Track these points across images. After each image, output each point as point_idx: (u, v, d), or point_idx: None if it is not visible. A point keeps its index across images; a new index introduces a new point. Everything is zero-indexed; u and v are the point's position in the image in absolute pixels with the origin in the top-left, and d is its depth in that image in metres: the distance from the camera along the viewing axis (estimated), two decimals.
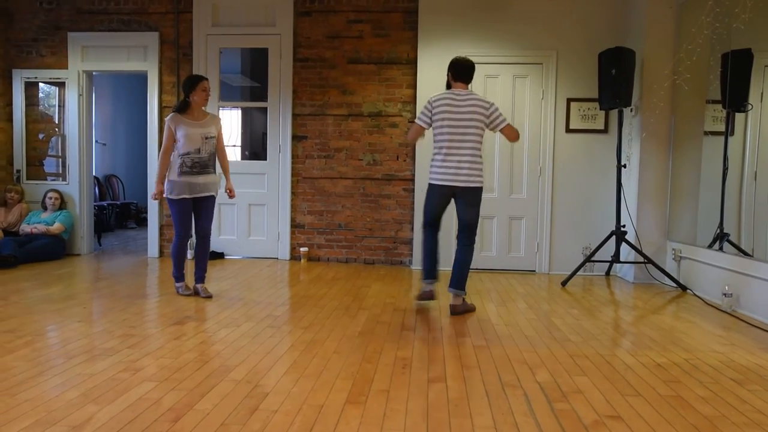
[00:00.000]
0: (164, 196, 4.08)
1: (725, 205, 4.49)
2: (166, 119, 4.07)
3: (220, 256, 6.10)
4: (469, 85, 3.89)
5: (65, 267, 5.38)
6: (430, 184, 3.87)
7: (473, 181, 3.75)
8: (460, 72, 3.79)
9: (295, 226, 6.08)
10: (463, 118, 3.72)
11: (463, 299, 3.87)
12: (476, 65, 5.61)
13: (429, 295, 3.91)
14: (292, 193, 6.05)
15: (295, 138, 6.02)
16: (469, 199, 3.78)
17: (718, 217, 4.54)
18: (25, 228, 5.81)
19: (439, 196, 3.83)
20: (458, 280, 3.81)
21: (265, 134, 6.20)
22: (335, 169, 5.98)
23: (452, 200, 3.87)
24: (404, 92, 5.87)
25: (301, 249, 6.01)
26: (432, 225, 3.92)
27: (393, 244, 5.96)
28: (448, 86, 3.90)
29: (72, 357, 2.74)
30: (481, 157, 3.80)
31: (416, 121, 3.87)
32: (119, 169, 9.91)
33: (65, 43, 6.13)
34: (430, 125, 3.86)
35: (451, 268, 3.92)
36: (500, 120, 3.77)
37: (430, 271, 3.89)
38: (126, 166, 10.08)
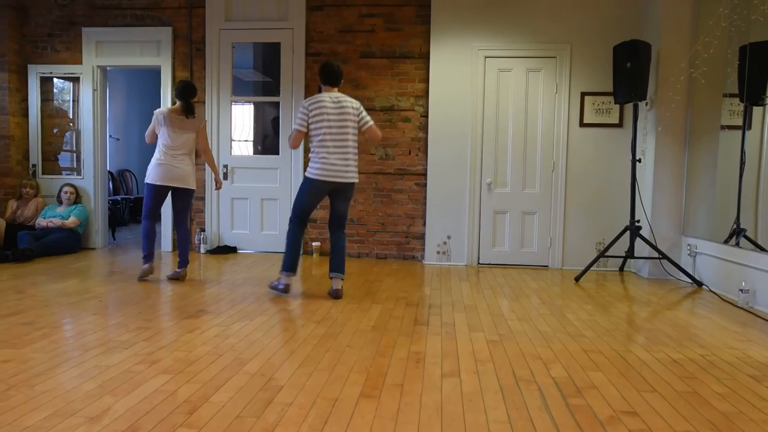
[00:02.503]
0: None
1: (742, 200, 4.44)
2: (205, 121, 4.61)
3: (232, 250, 6.13)
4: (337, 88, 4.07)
5: (80, 260, 5.43)
6: (311, 179, 3.97)
7: (354, 177, 4.02)
8: (329, 76, 3.98)
9: None
10: (340, 118, 3.94)
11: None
12: (490, 59, 5.67)
13: (288, 288, 4.08)
14: None
15: None
16: (348, 193, 4.06)
17: (734, 213, 4.49)
18: (41, 222, 5.87)
19: (319, 192, 4.00)
20: (341, 265, 4.07)
21: (277, 129, 6.21)
22: None
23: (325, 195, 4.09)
24: (417, 86, 5.85)
25: (314, 244, 6.02)
26: (303, 221, 4.10)
27: (405, 239, 5.96)
28: (320, 90, 4.09)
29: (88, 349, 2.76)
30: (356, 153, 4.05)
31: (296, 127, 3.97)
32: (133, 163, 9.99)
33: (80, 39, 6.17)
34: (308, 128, 4.00)
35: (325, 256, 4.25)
36: (366, 120, 4.02)
37: (294, 264, 4.04)
38: (139, 161, 10.15)
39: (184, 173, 4.46)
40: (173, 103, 4.45)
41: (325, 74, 3.98)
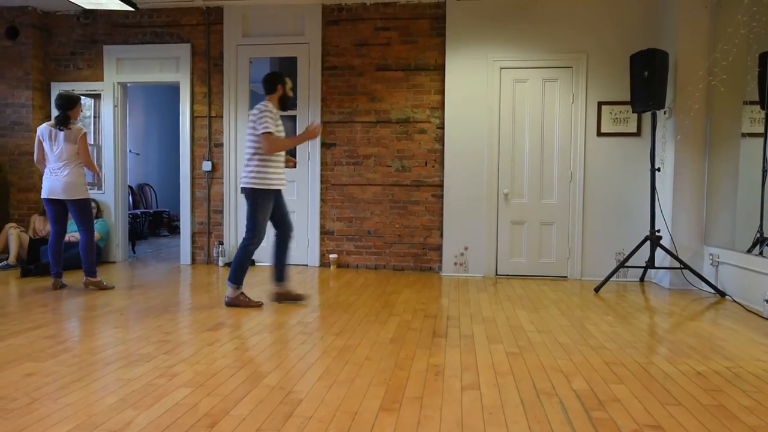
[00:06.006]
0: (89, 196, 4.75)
1: (765, 208, 4.36)
2: (84, 131, 4.64)
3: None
4: (273, 95, 4.14)
5: (101, 274, 5.49)
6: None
7: (244, 182, 4.07)
8: (263, 85, 4.15)
9: (324, 232, 6.11)
10: (248, 126, 4.08)
11: (241, 292, 4.13)
12: (505, 70, 5.66)
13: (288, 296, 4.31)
14: (321, 200, 6.09)
15: (324, 145, 6.06)
16: (245, 198, 4.09)
17: (757, 221, 4.41)
18: None
19: None
20: (230, 274, 4.10)
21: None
22: (364, 176, 6.00)
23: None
24: (432, 98, 5.86)
25: (331, 256, 6.04)
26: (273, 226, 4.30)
27: (422, 251, 5.95)
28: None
29: (110, 363, 2.79)
30: (255, 159, 4.02)
31: (270, 130, 4.08)
32: (152, 178, 10.12)
33: (101, 56, 6.30)
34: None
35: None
36: (258, 126, 3.98)
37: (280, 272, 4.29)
38: (158, 175, 10.29)
39: (63, 185, 4.58)
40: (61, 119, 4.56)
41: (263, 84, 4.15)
